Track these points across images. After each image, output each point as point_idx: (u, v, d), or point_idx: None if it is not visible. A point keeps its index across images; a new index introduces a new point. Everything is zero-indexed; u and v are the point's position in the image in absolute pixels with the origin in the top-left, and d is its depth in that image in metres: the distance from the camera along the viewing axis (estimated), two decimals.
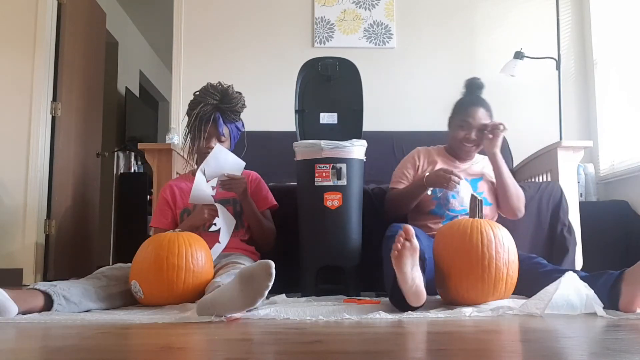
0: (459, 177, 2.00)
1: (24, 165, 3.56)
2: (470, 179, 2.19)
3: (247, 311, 1.51)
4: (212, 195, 2.08)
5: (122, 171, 5.33)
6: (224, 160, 2.10)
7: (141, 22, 6.05)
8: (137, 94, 6.08)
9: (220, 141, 2.20)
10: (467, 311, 1.53)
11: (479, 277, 1.62)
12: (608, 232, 3.01)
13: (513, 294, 1.70)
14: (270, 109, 3.62)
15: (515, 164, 3.25)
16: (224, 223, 2.04)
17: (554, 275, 1.64)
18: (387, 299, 1.72)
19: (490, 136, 2.16)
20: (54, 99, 3.73)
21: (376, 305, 1.72)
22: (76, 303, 1.65)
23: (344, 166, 2.12)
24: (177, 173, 2.79)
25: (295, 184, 2.25)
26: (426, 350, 1.09)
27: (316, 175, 2.12)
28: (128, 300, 1.84)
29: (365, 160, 2.21)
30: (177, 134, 3.42)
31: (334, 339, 1.21)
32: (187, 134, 2.25)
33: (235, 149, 2.28)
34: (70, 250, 3.85)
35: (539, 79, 3.74)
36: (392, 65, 3.85)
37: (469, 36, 3.88)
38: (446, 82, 3.64)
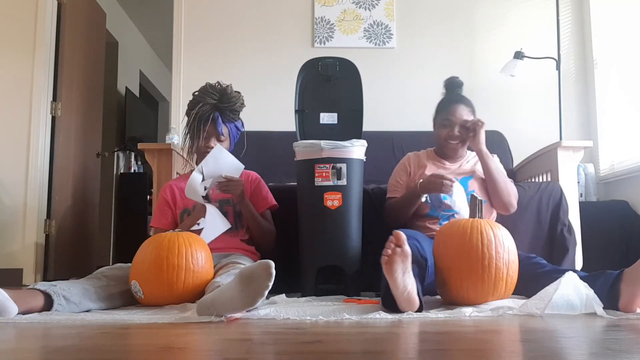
0: (450, 180, 2.02)
1: (24, 165, 3.56)
2: (460, 179, 2.19)
3: (247, 311, 1.50)
4: (203, 196, 2.08)
5: (122, 171, 5.33)
6: (223, 161, 2.10)
7: (141, 22, 6.05)
8: (137, 94, 6.07)
9: (219, 141, 2.20)
10: (467, 311, 1.53)
11: (479, 277, 1.62)
12: (608, 232, 3.01)
13: (513, 294, 1.71)
14: (270, 108, 3.62)
15: (515, 164, 3.25)
16: (210, 224, 2.04)
17: (554, 275, 1.63)
18: None
19: (472, 134, 2.18)
20: (54, 98, 3.73)
21: (376, 305, 1.72)
22: (76, 303, 1.65)
23: (344, 166, 2.13)
24: (177, 173, 2.79)
25: (295, 184, 2.26)
26: (426, 351, 1.09)
27: (316, 175, 2.12)
28: (128, 300, 1.84)
29: (365, 160, 2.21)
30: (177, 134, 3.41)
31: (334, 339, 1.21)
32: (187, 134, 2.25)
33: (235, 149, 2.28)
34: (70, 250, 3.85)
35: (539, 79, 3.73)
36: (392, 65, 3.84)
37: (469, 36, 3.88)
38: None
